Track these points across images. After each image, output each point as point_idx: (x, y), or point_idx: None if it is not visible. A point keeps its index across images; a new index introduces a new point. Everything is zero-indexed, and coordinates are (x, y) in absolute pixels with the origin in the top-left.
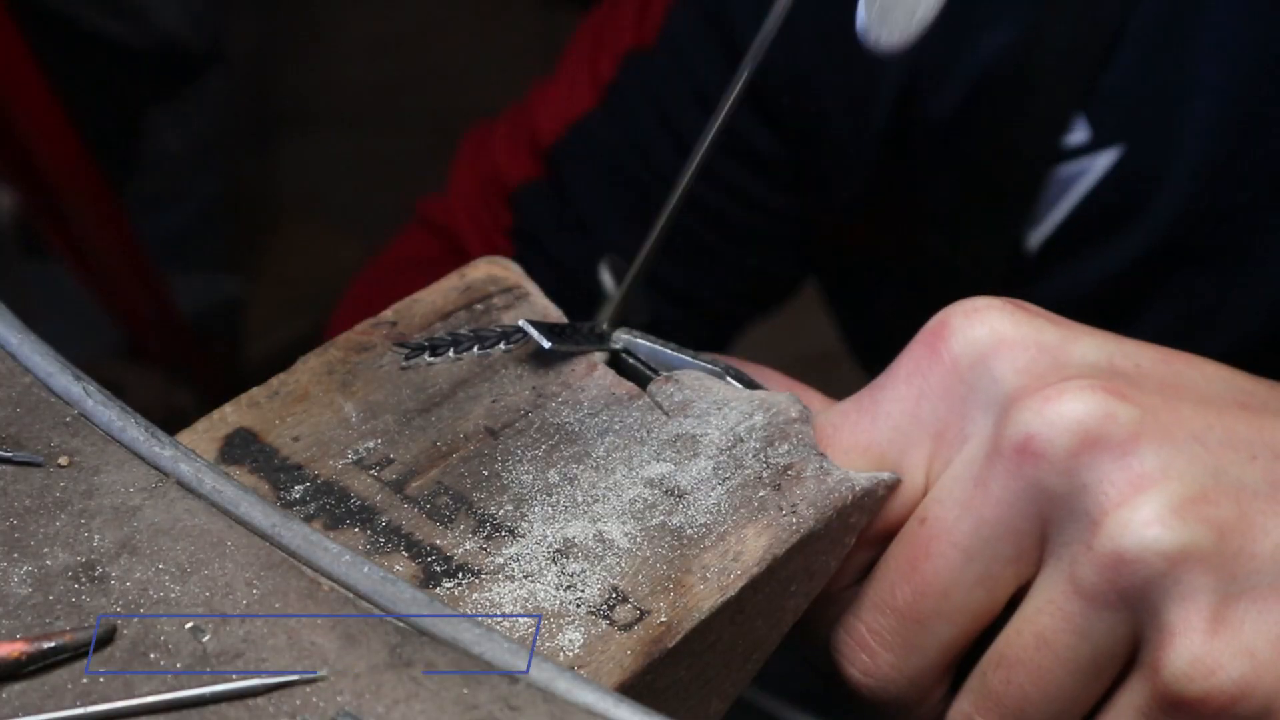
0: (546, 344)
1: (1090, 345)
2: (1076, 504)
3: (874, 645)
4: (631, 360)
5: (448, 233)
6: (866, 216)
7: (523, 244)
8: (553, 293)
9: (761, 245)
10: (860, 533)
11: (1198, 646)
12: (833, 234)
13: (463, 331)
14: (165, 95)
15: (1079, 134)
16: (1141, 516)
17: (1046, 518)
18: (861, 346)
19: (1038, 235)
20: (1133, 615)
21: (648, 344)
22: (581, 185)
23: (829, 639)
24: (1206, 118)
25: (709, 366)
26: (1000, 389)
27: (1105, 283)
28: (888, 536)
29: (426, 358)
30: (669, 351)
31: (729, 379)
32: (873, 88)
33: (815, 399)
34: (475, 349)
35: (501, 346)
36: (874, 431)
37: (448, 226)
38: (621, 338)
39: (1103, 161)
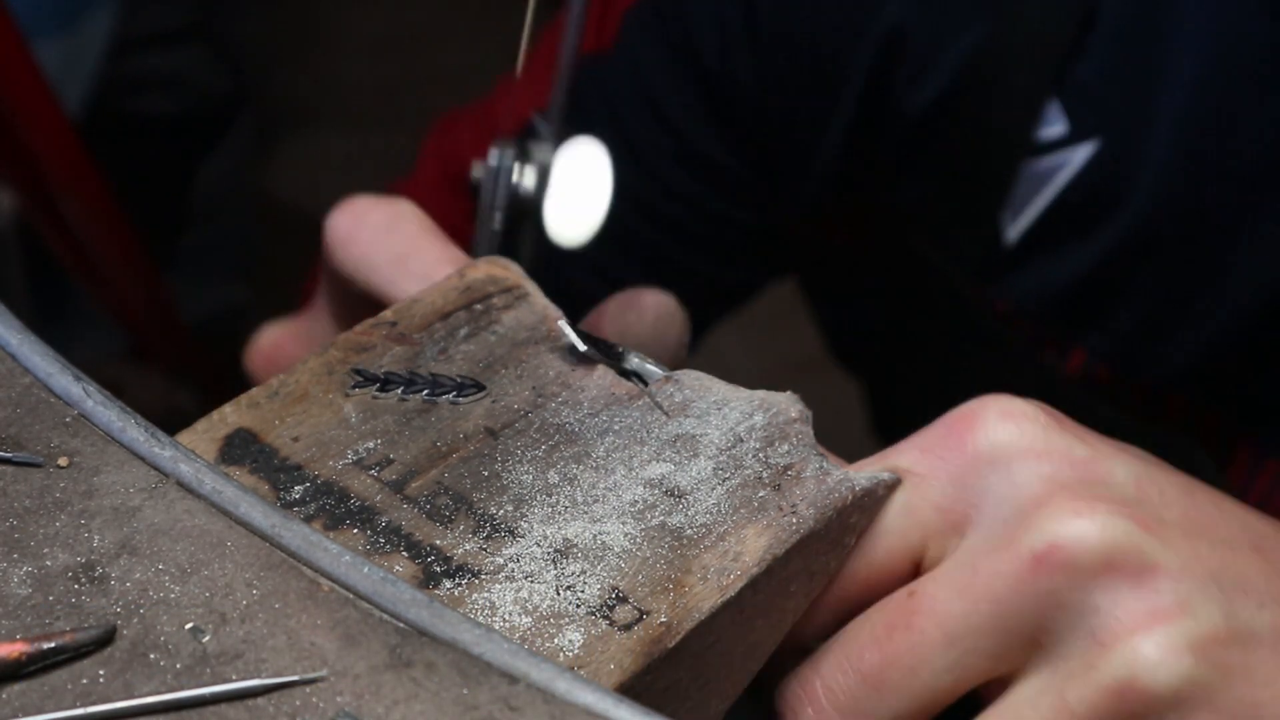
0: (582, 347)
1: (1119, 466)
2: (1083, 622)
3: (824, 703)
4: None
5: None
6: (839, 216)
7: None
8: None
9: (720, 254)
10: (831, 591)
11: None
12: (807, 236)
13: (421, 373)
14: (208, 149)
15: (1057, 127)
16: (1155, 648)
17: (1046, 627)
18: (842, 348)
19: (1016, 228)
20: None
21: (658, 369)
22: None
23: (779, 687)
24: (1179, 110)
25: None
26: (1022, 491)
27: (1084, 275)
28: (859, 598)
29: (374, 391)
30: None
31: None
32: (840, 83)
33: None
34: (424, 393)
35: (450, 397)
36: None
37: None
38: (633, 361)
39: (1081, 154)
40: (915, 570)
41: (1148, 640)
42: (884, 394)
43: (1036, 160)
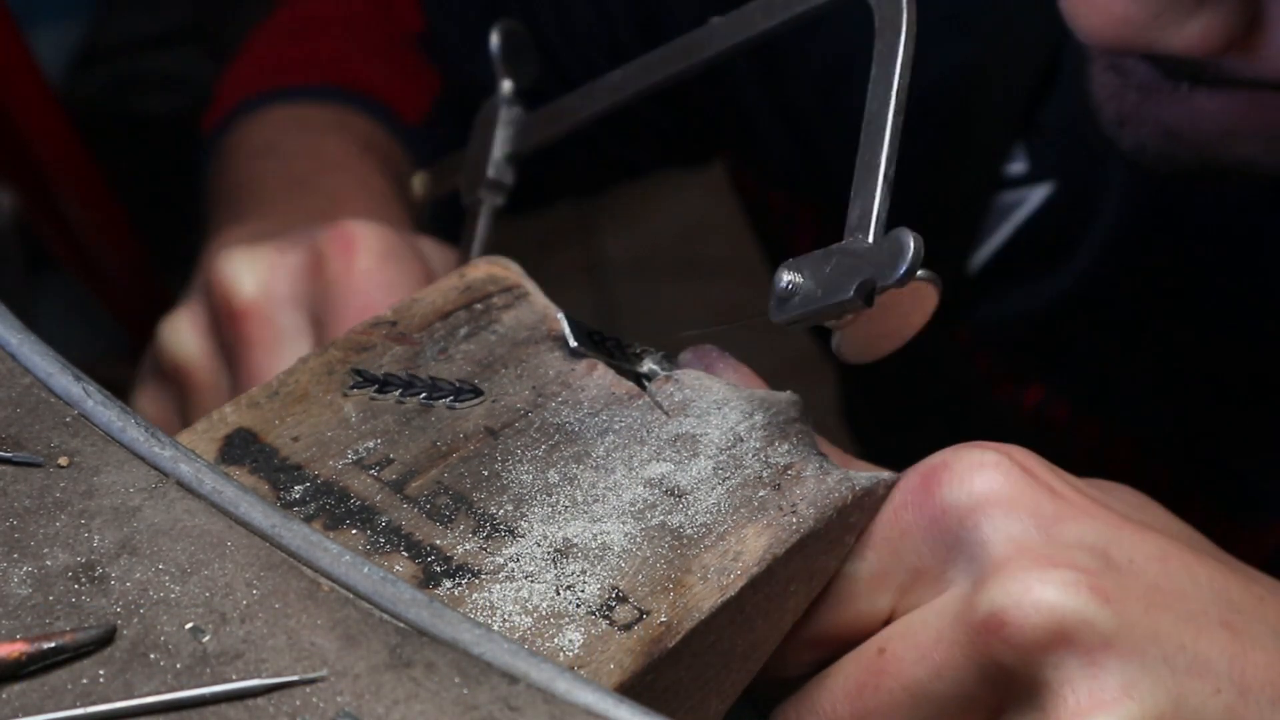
0: (573, 342)
1: (1088, 528)
2: (1035, 695)
3: None
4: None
5: None
6: (808, 224)
7: (429, 26)
8: (450, 91)
9: (630, 139)
10: (808, 632)
11: None
12: (767, 211)
13: (421, 376)
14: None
15: (1019, 164)
16: None
17: (1003, 692)
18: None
19: (979, 258)
20: None
21: (673, 370)
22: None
23: (769, 716)
24: (1122, 164)
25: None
26: (985, 552)
27: (1041, 311)
28: (840, 642)
29: (372, 392)
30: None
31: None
32: (797, 76)
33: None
34: (422, 396)
35: (447, 401)
36: (853, 551)
37: None
38: (647, 364)
39: (1039, 194)
40: (889, 618)
41: None
42: (852, 387)
43: (1000, 194)
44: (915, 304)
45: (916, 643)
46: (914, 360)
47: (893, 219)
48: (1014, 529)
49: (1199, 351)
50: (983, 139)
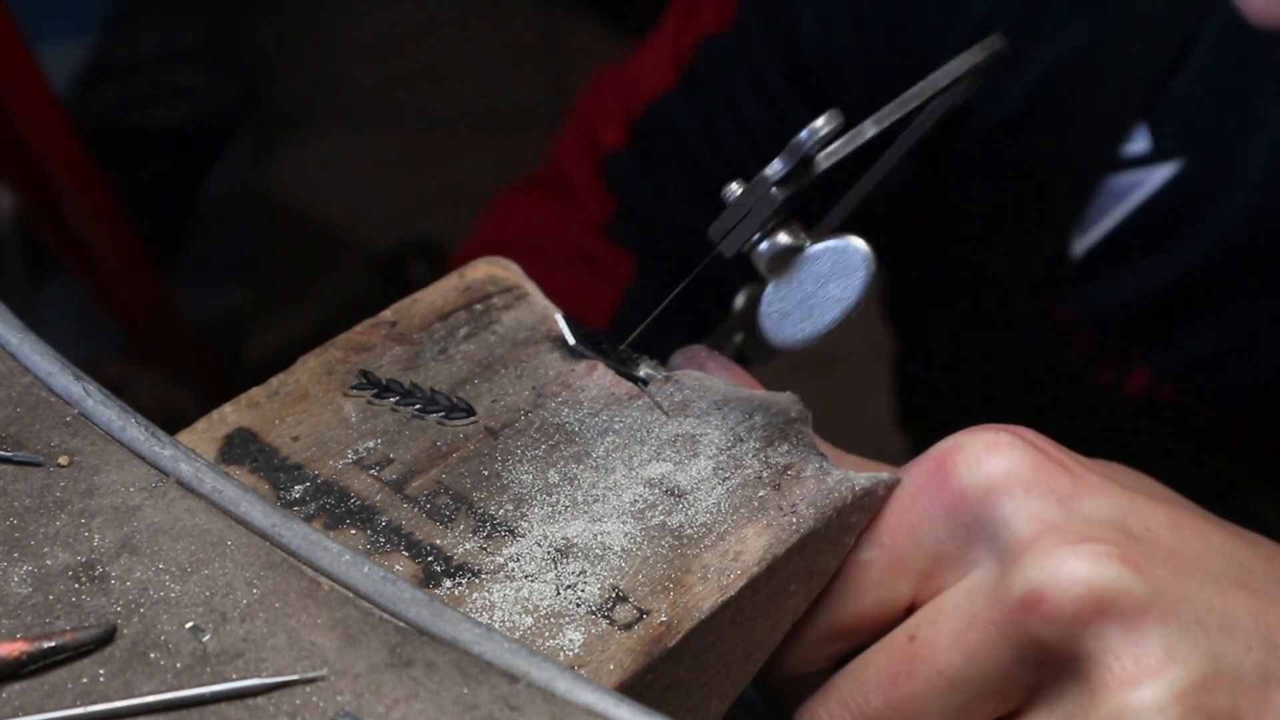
0: (572, 341)
1: (1104, 501)
2: (1077, 668)
3: None
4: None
5: (564, 182)
6: (900, 215)
7: (620, 204)
8: (649, 258)
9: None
10: (825, 625)
11: None
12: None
13: (422, 386)
14: (214, 158)
15: (1139, 143)
16: (1146, 699)
17: (1042, 669)
18: (900, 330)
19: (1083, 243)
20: None
21: (666, 374)
22: (659, 163)
23: (792, 717)
24: (1269, 139)
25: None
26: (1010, 532)
27: (1153, 294)
28: (861, 633)
29: (370, 395)
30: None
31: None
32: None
33: (845, 461)
34: (416, 407)
35: (437, 416)
36: (869, 536)
37: (562, 172)
38: (645, 370)
39: (1161, 174)
40: (910, 606)
41: (1136, 693)
42: (918, 371)
43: (1113, 176)
44: (841, 267)
45: (949, 627)
46: (1001, 341)
47: (997, 203)
48: (1035, 507)
49: None
50: (1098, 121)
